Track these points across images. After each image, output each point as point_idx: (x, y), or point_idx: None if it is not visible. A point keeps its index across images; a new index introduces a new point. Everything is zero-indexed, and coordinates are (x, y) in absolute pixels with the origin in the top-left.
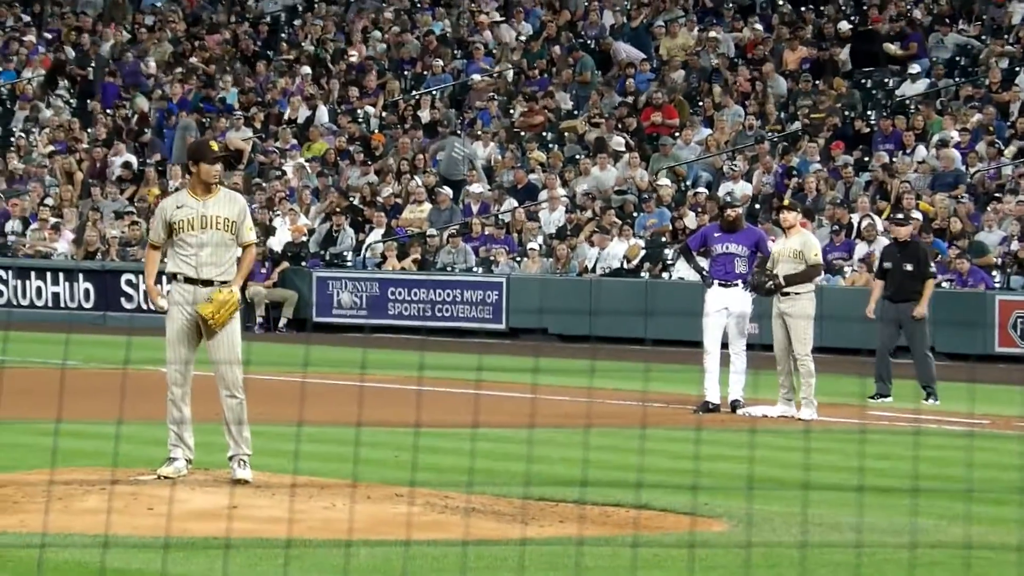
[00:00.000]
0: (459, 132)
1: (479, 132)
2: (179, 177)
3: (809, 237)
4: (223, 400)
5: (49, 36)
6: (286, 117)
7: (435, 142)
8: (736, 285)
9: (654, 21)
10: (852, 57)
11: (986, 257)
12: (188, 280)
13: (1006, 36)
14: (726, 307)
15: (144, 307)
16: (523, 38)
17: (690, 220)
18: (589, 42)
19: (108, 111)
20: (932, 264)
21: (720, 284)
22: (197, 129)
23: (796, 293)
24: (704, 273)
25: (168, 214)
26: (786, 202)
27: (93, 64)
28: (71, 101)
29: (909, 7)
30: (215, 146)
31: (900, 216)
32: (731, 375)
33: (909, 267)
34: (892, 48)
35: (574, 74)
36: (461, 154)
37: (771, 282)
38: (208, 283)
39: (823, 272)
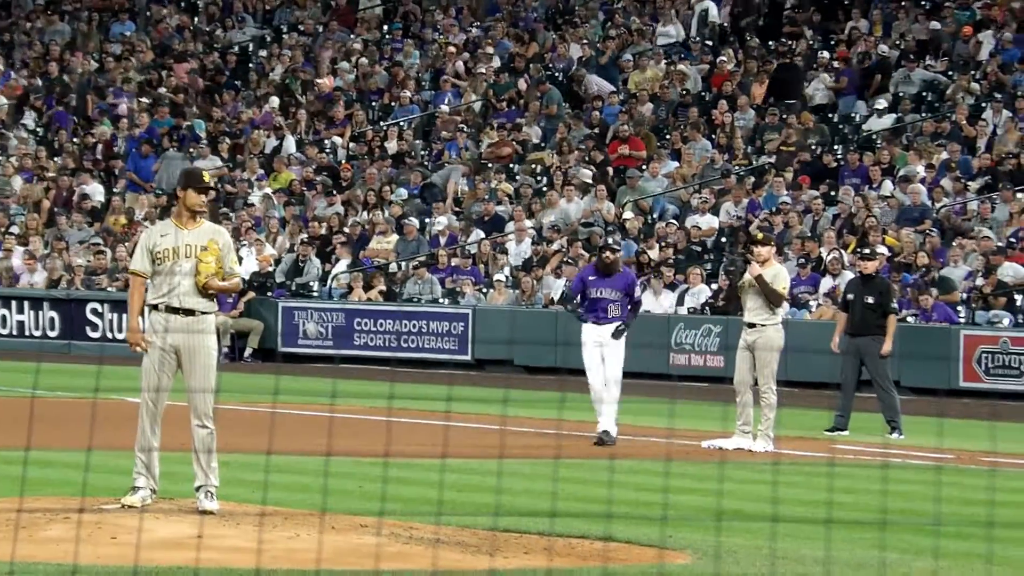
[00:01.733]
0: (426, 163)
1: (446, 163)
2: (146, 207)
3: (780, 269)
4: (193, 430)
5: (17, 64)
6: (253, 148)
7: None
8: (610, 323)
9: (622, 55)
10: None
11: (952, 294)
12: (169, 309)
13: (973, 72)
14: (599, 341)
15: (109, 336)
16: (493, 67)
17: (654, 252)
18: (557, 75)
19: (74, 140)
20: (895, 300)
21: (593, 323)
22: (183, 160)
23: (762, 325)
24: (579, 313)
25: (151, 242)
26: (759, 236)
27: (68, 90)
28: (37, 130)
29: (877, 42)
30: (206, 176)
31: (867, 251)
32: (603, 405)
33: (871, 300)
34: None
35: (541, 106)
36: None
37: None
38: (190, 312)
39: (785, 304)
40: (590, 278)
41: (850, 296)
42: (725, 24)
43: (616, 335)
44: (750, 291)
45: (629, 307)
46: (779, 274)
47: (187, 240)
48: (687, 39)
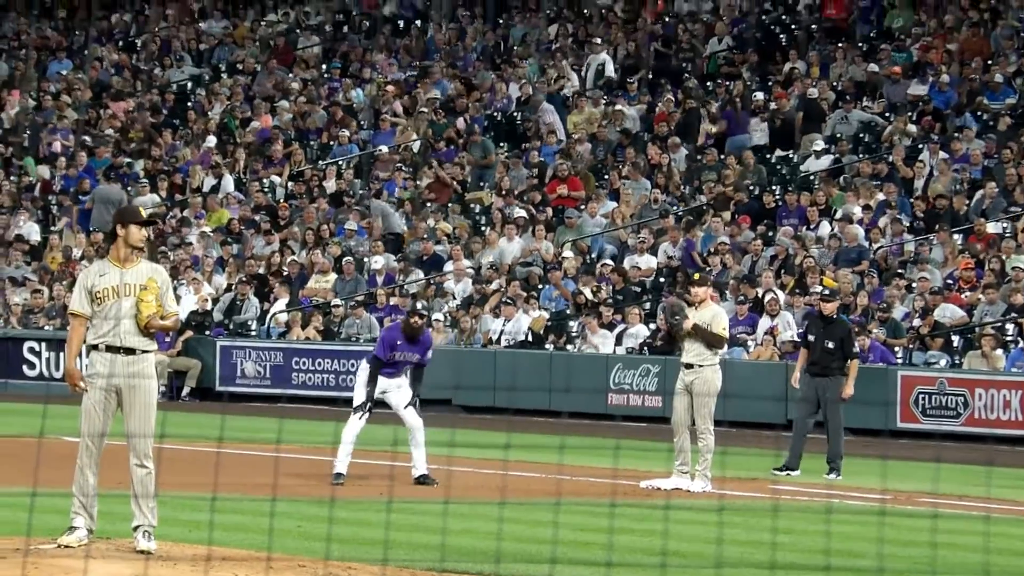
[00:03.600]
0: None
1: (384, 202)
2: (84, 245)
3: (719, 311)
4: (132, 470)
5: None
6: (191, 185)
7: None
8: (400, 377)
9: (564, 96)
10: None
11: (903, 339)
12: (109, 348)
13: (909, 114)
14: (385, 389)
15: (46, 375)
16: (433, 104)
17: (588, 293)
18: (496, 114)
19: (11, 178)
20: (856, 344)
21: (387, 376)
22: (118, 196)
23: (699, 366)
24: (368, 403)
25: (90, 282)
26: (696, 276)
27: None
28: None
29: (813, 83)
30: (143, 212)
31: (827, 292)
32: (412, 448)
33: (831, 344)
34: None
35: (476, 157)
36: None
37: (679, 318)
38: (130, 351)
39: (726, 346)
40: (397, 342)
41: (811, 337)
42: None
43: (415, 408)
44: (690, 334)
45: (413, 374)
46: (717, 315)
47: (127, 279)
48: (583, 90)
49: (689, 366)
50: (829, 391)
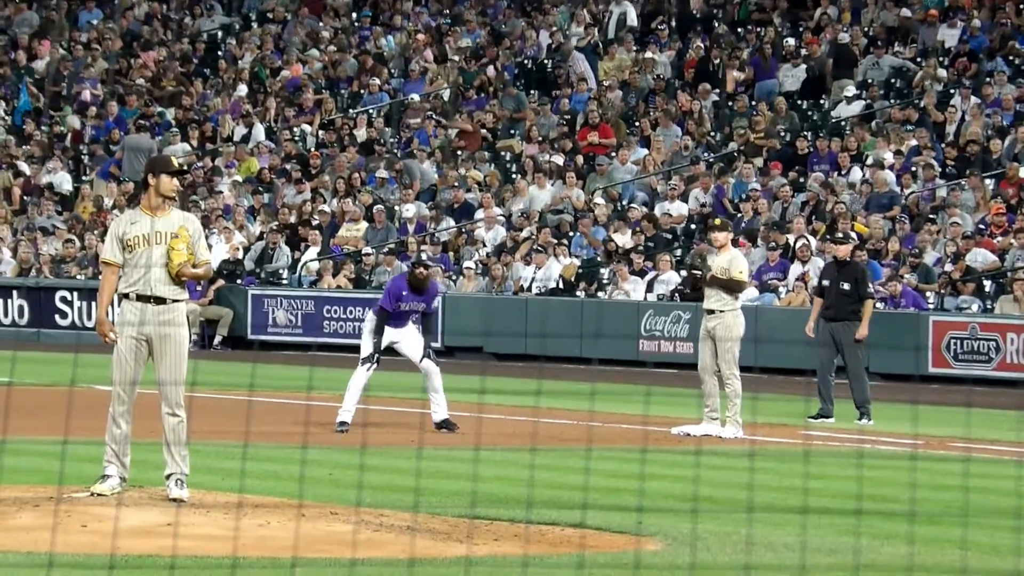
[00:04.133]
0: (396, 151)
1: (415, 151)
2: (115, 194)
3: (737, 255)
4: (164, 418)
5: None
6: (222, 135)
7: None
8: (408, 327)
9: (597, 43)
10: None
11: (934, 284)
12: (140, 298)
13: (941, 59)
14: (395, 339)
15: (79, 324)
16: (464, 52)
17: (624, 239)
18: (526, 62)
19: (42, 128)
20: (871, 285)
21: (393, 327)
22: (148, 146)
23: (721, 311)
24: (375, 354)
25: (121, 230)
26: (717, 222)
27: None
28: (6, 118)
29: (844, 28)
30: (175, 161)
31: (840, 235)
32: (431, 394)
33: (846, 286)
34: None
35: (510, 110)
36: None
37: (701, 268)
38: (161, 300)
39: (745, 288)
40: (403, 293)
41: (825, 282)
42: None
43: (429, 357)
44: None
45: (422, 324)
46: (735, 259)
47: (158, 227)
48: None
49: (711, 312)
50: (845, 335)
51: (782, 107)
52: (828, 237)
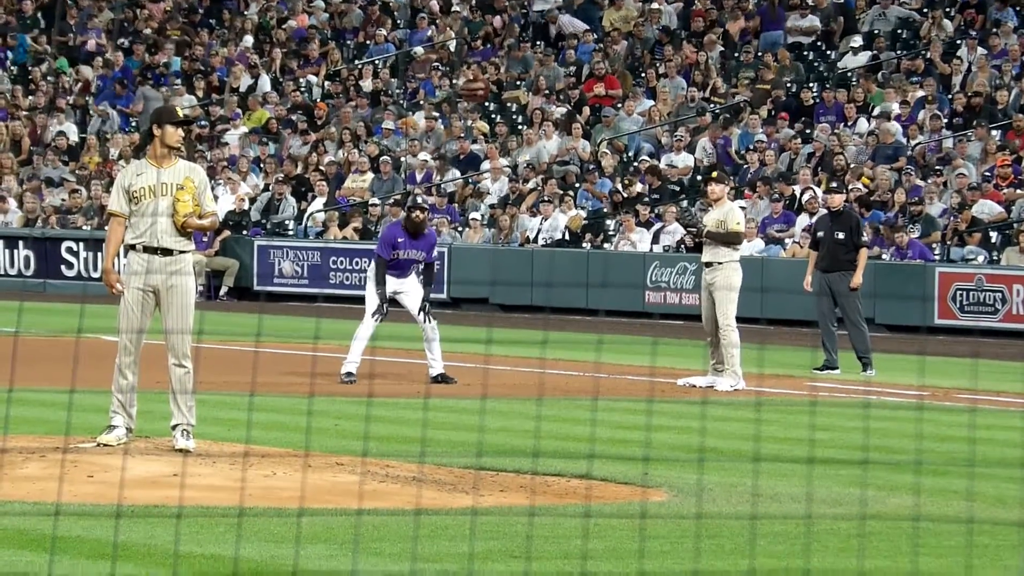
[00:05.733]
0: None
1: (421, 102)
2: (121, 145)
3: (733, 208)
4: (170, 369)
5: None
6: (230, 86)
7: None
8: (409, 277)
9: None
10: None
11: (934, 234)
12: (146, 249)
13: (947, 9)
14: (397, 290)
15: (85, 275)
16: (469, 3)
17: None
18: (532, 14)
19: (49, 78)
20: (865, 234)
21: (395, 277)
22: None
23: (719, 263)
24: (383, 304)
25: (127, 181)
26: (714, 175)
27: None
28: (12, 68)
29: None
30: (180, 112)
31: (834, 185)
32: (427, 347)
33: (841, 236)
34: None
35: (517, 71)
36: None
37: (696, 225)
38: (168, 252)
39: (743, 240)
40: (399, 239)
41: (820, 233)
42: None
43: (426, 313)
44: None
45: (423, 275)
46: (731, 211)
47: (163, 179)
48: None
49: (709, 265)
50: (840, 285)
51: (786, 58)
52: (849, 190)
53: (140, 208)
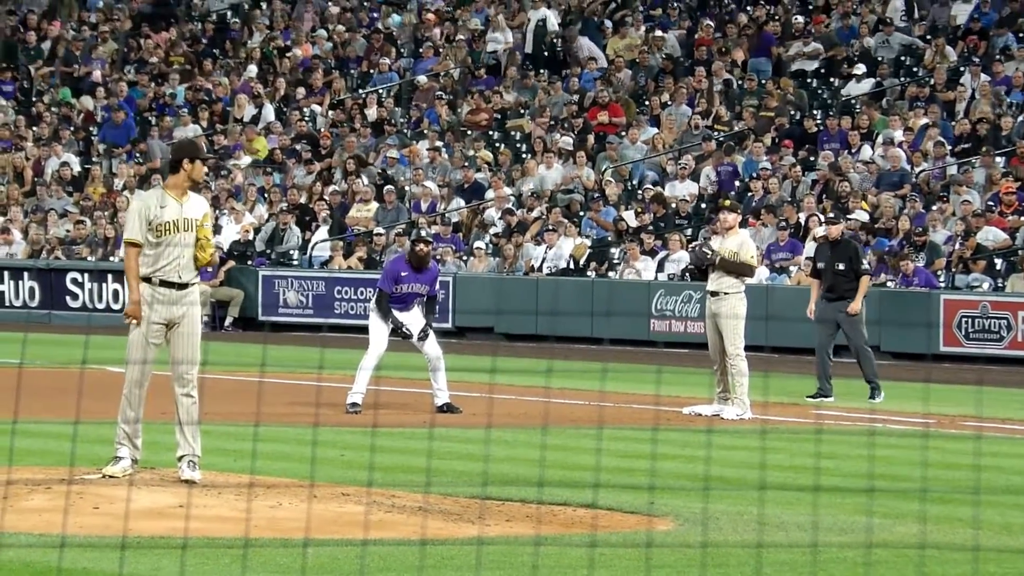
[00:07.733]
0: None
1: (425, 130)
2: (126, 176)
3: (746, 239)
4: (177, 399)
5: None
6: (234, 115)
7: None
8: (412, 311)
9: (602, 21)
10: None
11: (938, 261)
12: (163, 283)
13: (950, 36)
14: (403, 323)
15: (90, 305)
16: (471, 33)
17: (630, 218)
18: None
19: (52, 109)
20: (865, 261)
21: (398, 311)
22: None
23: (725, 293)
24: (402, 328)
25: (151, 213)
26: (727, 203)
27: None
28: (16, 98)
29: (855, 7)
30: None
31: (831, 215)
32: (434, 373)
33: (841, 266)
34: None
35: (514, 90)
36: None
37: (709, 254)
38: (184, 286)
39: (754, 274)
40: (402, 274)
41: (820, 264)
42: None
43: (424, 338)
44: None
45: (425, 306)
46: (744, 243)
47: (186, 213)
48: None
49: (714, 294)
50: (844, 313)
51: (789, 86)
52: (816, 217)
53: (163, 240)
